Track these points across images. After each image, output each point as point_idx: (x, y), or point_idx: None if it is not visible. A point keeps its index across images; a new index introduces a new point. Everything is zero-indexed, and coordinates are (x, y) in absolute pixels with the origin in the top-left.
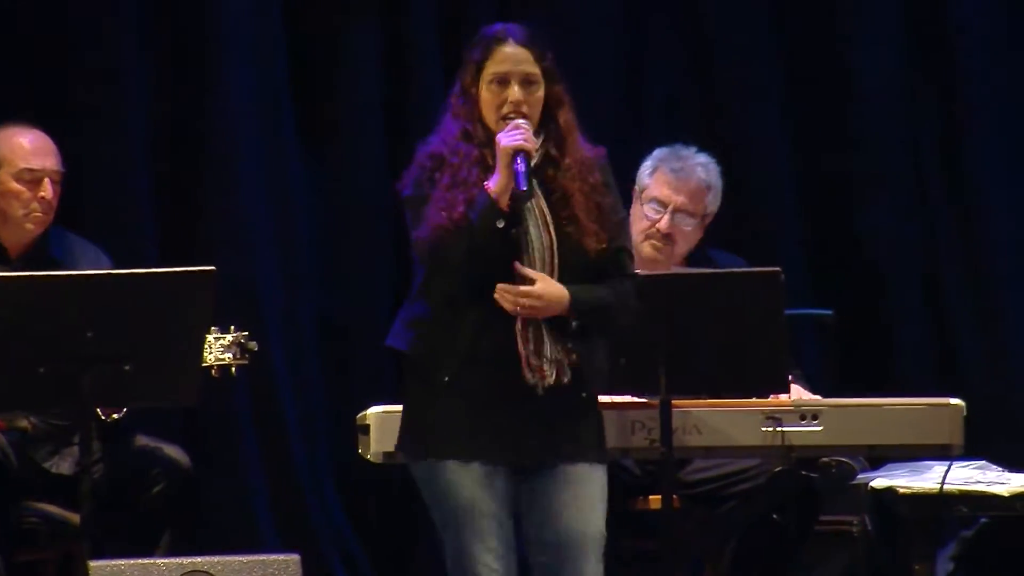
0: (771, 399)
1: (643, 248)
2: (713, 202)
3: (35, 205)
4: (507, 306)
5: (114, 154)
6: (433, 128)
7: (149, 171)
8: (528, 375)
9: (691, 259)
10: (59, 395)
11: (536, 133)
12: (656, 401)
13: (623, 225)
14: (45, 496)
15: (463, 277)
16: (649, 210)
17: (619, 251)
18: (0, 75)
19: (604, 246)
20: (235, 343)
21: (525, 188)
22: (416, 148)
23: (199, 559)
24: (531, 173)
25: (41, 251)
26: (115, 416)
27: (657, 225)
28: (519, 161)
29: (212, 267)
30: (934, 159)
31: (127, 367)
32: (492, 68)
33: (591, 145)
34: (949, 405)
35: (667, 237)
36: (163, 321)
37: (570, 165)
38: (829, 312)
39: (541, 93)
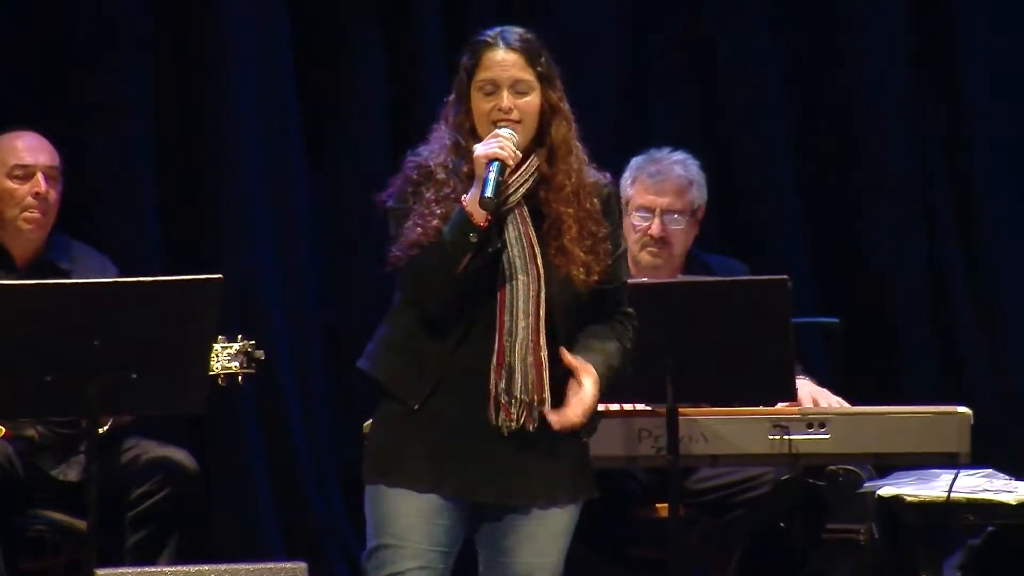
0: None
1: (642, 257)
2: (699, 196)
3: (30, 201)
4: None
5: (119, 160)
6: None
7: (154, 178)
8: (493, 415)
9: (687, 267)
10: (65, 403)
11: (532, 148)
12: (663, 409)
13: (622, 259)
14: (52, 504)
15: (437, 298)
16: (637, 219)
17: (621, 286)
18: (3, 76)
19: (595, 279)
20: (242, 352)
21: (491, 195)
22: (405, 156)
23: (206, 567)
24: (500, 184)
25: (47, 259)
26: (101, 430)
27: (649, 231)
28: (490, 169)
29: (219, 276)
30: (940, 167)
31: (134, 375)
32: (482, 75)
33: (597, 170)
34: (956, 413)
35: (662, 241)
36: (170, 329)
37: (563, 184)
38: (836, 320)
39: (535, 100)
